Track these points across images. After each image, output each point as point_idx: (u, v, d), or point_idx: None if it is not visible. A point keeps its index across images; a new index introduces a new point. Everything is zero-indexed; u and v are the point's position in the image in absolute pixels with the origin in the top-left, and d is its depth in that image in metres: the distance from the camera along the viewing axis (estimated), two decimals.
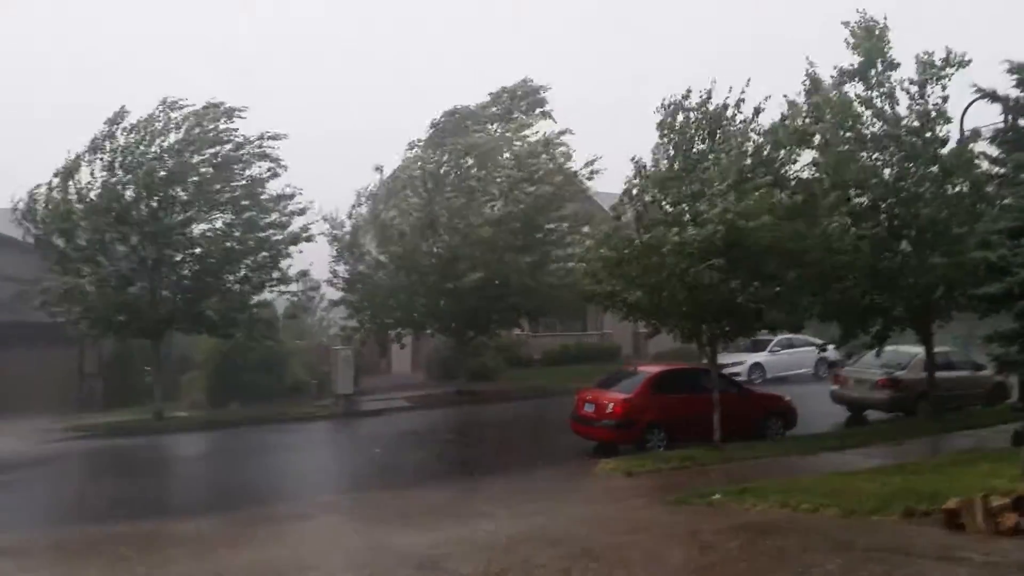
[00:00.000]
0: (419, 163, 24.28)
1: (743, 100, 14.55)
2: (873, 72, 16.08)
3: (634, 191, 15.02)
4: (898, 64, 16.09)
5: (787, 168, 14.53)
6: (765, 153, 14.28)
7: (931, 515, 8.36)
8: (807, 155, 15.12)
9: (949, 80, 15.80)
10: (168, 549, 9.19)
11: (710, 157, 14.33)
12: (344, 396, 22.90)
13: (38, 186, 20.12)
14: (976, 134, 16.33)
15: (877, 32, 16.05)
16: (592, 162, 25.29)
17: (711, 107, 14.67)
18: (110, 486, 13.90)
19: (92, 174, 20.41)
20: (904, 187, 15.92)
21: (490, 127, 25.17)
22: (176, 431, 20.32)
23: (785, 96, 15.62)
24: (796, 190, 14.09)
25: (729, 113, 14.66)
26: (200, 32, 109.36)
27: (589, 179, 25.47)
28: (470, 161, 23.96)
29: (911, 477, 10.64)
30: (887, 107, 16.15)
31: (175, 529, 10.33)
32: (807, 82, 16.30)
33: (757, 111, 14.61)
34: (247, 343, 23.71)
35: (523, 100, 25.64)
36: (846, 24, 16.25)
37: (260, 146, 21.56)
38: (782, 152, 14.41)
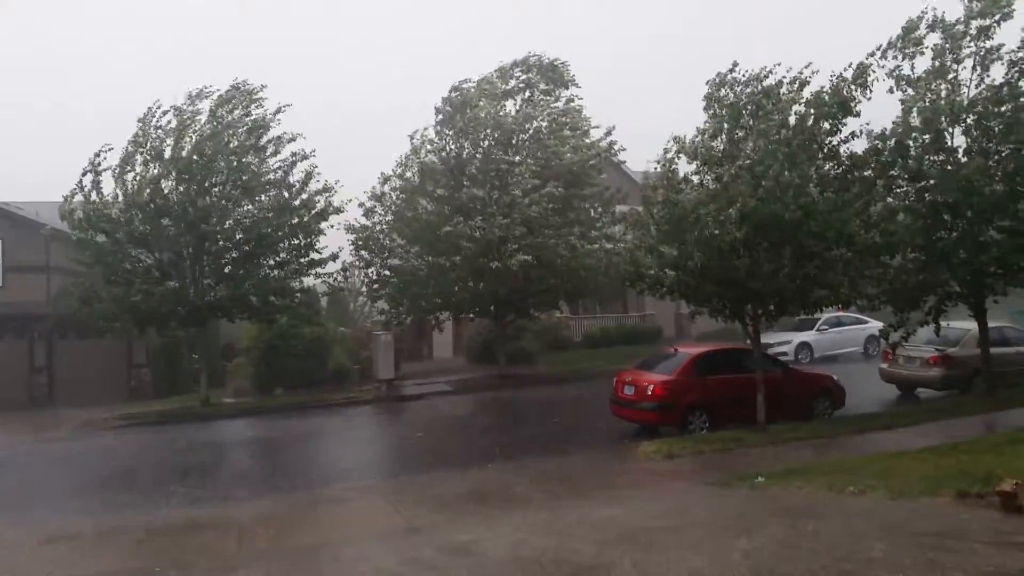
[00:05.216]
0: (435, 150, 24.11)
1: (807, 81, 13.93)
2: (966, 27, 14.94)
3: (670, 164, 14.57)
4: (996, 44, 14.96)
5: (829, 139, 13.93)
6: (808, 124, 13.60)
7: (986, 497, 8.01)
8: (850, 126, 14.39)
9: None
10: (207, 533, 9.32)
11: (752, 132, 13.84)
12: (386, 381, 23.07)
13: (74, 189, 20.46)
14: None
15: None
16: (610, 132, 25.07)
17: (766, 83, 14.14)
18: (153, 474, 14.15)
19: (134, 170, 20.74)
20: (972, 161, 15.06)
21: (507, 104, 24.62)
22: (222, 417, 20.74)
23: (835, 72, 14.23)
24: (834, 161, 13.56)
25: (783, 91, 14.05)
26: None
27: (610, 151, 25.16)
28: (491, 140, 23.63)
29: (964, 457, 10.27)
30: (973, 74, 15.11)
31: (216, 514, 10.46)
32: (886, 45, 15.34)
33: (802, 84, 13.94)
34: (290, 330, 24.08)
35: (541, 75, 25.04)
36: None
37: (280, 128, 21.88)
38: (825, 124, 13.79)
